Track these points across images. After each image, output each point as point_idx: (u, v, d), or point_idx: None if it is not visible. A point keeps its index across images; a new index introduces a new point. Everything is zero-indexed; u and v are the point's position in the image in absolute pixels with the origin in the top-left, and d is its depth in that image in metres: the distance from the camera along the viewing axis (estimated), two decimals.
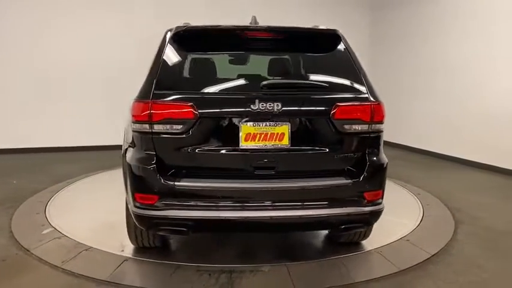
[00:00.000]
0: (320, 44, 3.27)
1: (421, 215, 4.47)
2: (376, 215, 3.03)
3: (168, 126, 2.81)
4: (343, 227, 3.01)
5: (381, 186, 3.03)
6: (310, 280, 3.19)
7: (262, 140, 2.86)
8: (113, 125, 7.91)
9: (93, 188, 5.54)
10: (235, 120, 2.86)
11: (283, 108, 2.84)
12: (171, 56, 3.05)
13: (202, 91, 2.98)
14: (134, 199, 2.87)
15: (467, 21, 6.97)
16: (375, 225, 4.24)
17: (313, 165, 3.02)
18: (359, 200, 2.94)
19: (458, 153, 7.17)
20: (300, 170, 3.00)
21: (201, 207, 2.84)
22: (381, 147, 3.10)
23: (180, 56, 3.11)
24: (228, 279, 3.12)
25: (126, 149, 3.11)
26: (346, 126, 2.94)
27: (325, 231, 3.93)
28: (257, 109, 2.82)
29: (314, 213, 2.88)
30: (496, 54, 6.51)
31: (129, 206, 3.02)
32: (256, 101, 2.83)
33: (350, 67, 3.12)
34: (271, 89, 2.97)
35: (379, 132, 3.04)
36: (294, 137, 2.89)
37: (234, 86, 3.17)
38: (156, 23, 7.99)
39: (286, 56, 3.51)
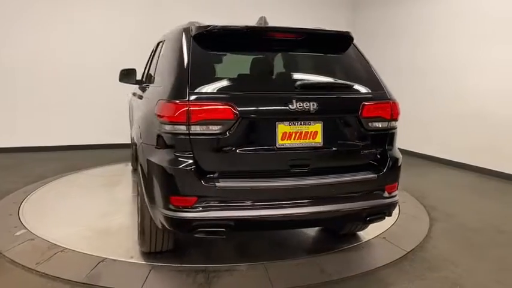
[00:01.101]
0: (335, 45, 3.38)
1: (397, 213, 4.54)
2: (394, 206, 3.21)
3: (206, 127, 2.76)
4: (368, 218, 3.13)
5: (397, 179, 3.23)
6: (288, 278, 3.20)
7: (297, 139, 2.91)
8: (88, 124, 7.83)
9: (68, 188, 5.44)
10: (272, 120, 2.88)
11: (318, 108, 2.91)
12: (199, 55, 2.98)
13: (239, 91, 2.95)
14: (168, 202, 2.78)
15: (446, 23, 7.10)
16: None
17: (342, 161, 3.13)
18: (381, 192, 3.11)
19: (431, 152, 7.34)
20: (330, 166, 3.08)
21: (242, 206, 2.83)
22: (396, 143, 3.28)
23: (207, 55, 3.06)
24: (205, 279, 3.11)
25: (145, 151, 3.05)
26: (371, 124, 3.10)
27: (304, 229, 3.96)
28: (295, 108, 2.88)
29: (347, 207, 2.99)
30: (469, 56, 6.65)
31: (155, 210, 2.93)
32: (294, 100, 2.88)
33: (366, 67, 3.30)
34: (306, 89, 3.03)
35: (395, 128, 3.24)
36: (326, 135, 2.98)
37: (267, 86, 3.18)
38: (138, 21, 7.97)
39: (307, 56, 3.53)
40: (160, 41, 4.31)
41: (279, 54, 3.44)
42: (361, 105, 3.06)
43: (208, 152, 2.80)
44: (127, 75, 4.94)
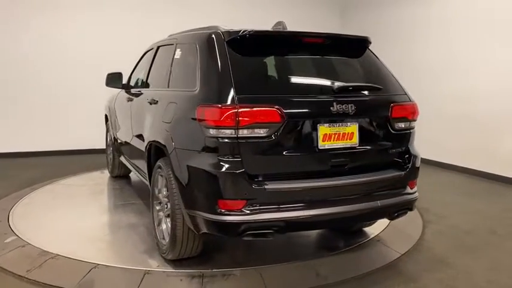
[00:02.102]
0: (355, 49, 3.51)
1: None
2: (415, 201, 3.37)
3: (254, 130, 2.78)
4: (396, 214, 3.28)
5: (417, 176, 3.41)
6: (283, 283, 3.19)
7: (336, 140, 3.02)
8: (77, 129, 7.71)
9: (59, 194, 5.36)
10: (314, 122, 2.96)
11: (354, 109, 3.04)
12: (236, 59, 2.99)
13: (283, 94, 3.00)
14: (216, 206, 2.79)
15: (438, 25, 7.14)
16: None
17: (374, 160, 3.27)
18: (406, 188, 3.30)
19: (422, 154, 7.33)
20: (364, 165, 3.20)
21: (290, 208, 2.87)
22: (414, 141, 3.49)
23: (243, 59, 3.07)
24: (199, 284, 3.08)
25: (181, 156, 3.02)
26: (397, 124, 3.28)
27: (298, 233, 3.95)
28: (336, 111, 2.99)
29: (382, 203, 3.14)
30: (461, 58, 6.71)
31: (196, 215, 2.92)
32: (335, 103, 3.00)
33: (383, 70, 3.48)
34: (344, 91, 3.13)
35: (414, 128, 3.44)
36: (361, 136, 3.10)
37: (308, 89, 3.25)
38: (123, 26, 7.91)
39: (333, 59, 3.57)
40: (161, 46, 4.34)
41: (308, 58, 3.51)
42: (390, 107, 3.23)
43: (255, 155, 2.83)
44: (115, 80, 4.96)
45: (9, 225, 4.15)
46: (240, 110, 2.73)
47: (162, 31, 7.44)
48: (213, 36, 3.15)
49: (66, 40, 7.70)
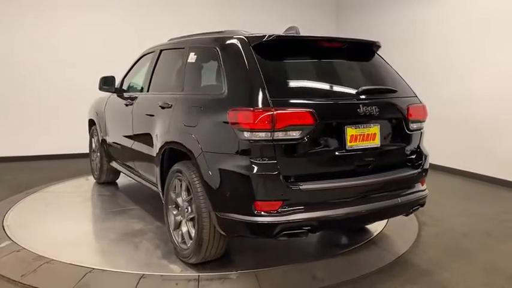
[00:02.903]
0: (367, 53, 3.66)
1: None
2: (426, 197, 3.52)
3: (289, 133, 2.85)
4: (411, 210, 3.44)
5: (427, 174, 3.57)
6: (279, 285, 3.19)
7: (361, 141, 3.14)
8: (72, 133, 7.63)
9: (54, 198, 5.33)
10: (343, 124, 3.07)
11: (377, 111, 3.18)
12: (265, 63, 3.05)
13: (313, 97, 3.08)
14: (252, 208, 2.84)
15: (435, 26, 7.17)
16: (343, 230, 4.31)
17: (393, 159, 3.43)
18: (419, 185, 3.48)
19: None
20: (385, 165, 3.34)
21: (324, 207, 2.97)
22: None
23: (270, 63, 3.13)
24: None
25: (211, 160, 3.04)
26: (412, 125, 3.44)
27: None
28: (362, 113, 3.12)
29: (402, 200, 3.30)
30: (459, 61, 6.74)
31: (227, 217, 2.96)
32: (361, 105, 3.13)
33: (393, 72, 3.64)
34: (368, 94, 3.25)
35: (423, 128, 3.60)
36: (382, 136, 3.25)
37: (335, 92, 3.34)
38: (115, 25, 7.90)
39: (350, 63, 3.66)
40: (164, 50, 4.34)
41: (328, 62, 3.59)
42: (406, 108, 3.40)
43: (289, 156, 2.91)
44: (108, 84, 4.93)
45: (4, 230, 4.12)
46: (276, 113, 2.80)
47: (154, 35, 7.47)
48: (239, 40, 3.21)
49: (57, 43, 7.63)
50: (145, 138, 4.14)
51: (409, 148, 3.50)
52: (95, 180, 6.06)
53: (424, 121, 3.56)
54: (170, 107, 3.68)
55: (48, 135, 7.64)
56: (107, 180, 5.87)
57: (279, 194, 2.84)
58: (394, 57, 3.86)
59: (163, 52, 4.36)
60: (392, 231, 4.24)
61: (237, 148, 2.90)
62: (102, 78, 4.99)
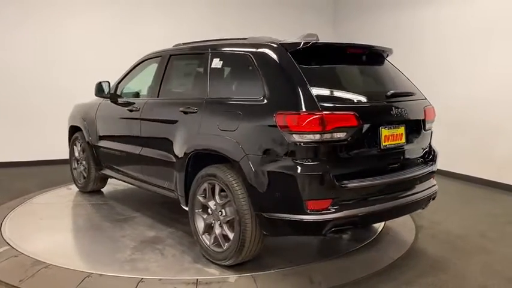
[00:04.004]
0: (382, 59, 3.87)
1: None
2: (437, 191, 3.78)
3: (335, 135, 3.01)
4: (426, 204, 3.66)
5: (436, 170, 3.84)
6: None
7: (391, 141, 3.36)
8: (46, 139, 7.49)
9: (51, 203, 5.31)
10: (378, 125, 3.27)
11: (404, 113, 3.44)
12: (305, 69, 3.19)
13: (354, 100, 3.31)
14: (304, 207, 2.96)
15: (431, 30, 7.24)
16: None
17: (414, 157, 3.68)
18: (432, 180, 3.76)
19: None
20: (408, 162, 3.62)
21: (367, 203, 3.18)
22: None
23: (310, 68, 3.25)
24: None
25: (257, 163, 3.11)
26: (427, 125, 3.73)
27: (292, 239, 3.96)
28: (394, 114, 3.37)
29: (423, 194, 3.55)
30: (455, 64, 6.80)
31: (276, 217, 3.06)
32: (393, 107, 3.39)
33: (403, 76, 3.87)
34: (396, 97, 3.51)
35: (432, 128, 3.89)
36: (406, 136, 3.49)
37: (370, 94, 3.47)
38: (111, 34, 7.90)
39: (371, 68, 3.84)
40: (176, 55, 4.33)
41: (355, 67, 3.77)
42: (423, 110, 3.69)
43: (335, 156, 3.08)
44: (105, 89, 4.86)
45: (2, 235, 4.11)
46: (325, 116, 2.94)
47: (146, 40, 7.48)
48: (277, 47, 3.34)
49: (54, 49, 7.56)
50: (161, 143, 4.09)
51: (424, 146, 3.78)
52: (77, 190, 5.78)
53: (433, 121, 3.83)
54: (195, 112, 3.69)
55: (41, 140, 7.56)
56: (94, 189, 5.63)
57: (329, 192, 3.00)
58: (392, 61, 3.93)
59: (173, 57, 4.34)
60: (389, 234, 4.26)
61: (286, 150, 3.02)
62: (98, 84, 4.91)
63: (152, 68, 4.70)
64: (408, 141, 3.51)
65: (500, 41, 6.06)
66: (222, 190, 3.40)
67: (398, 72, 3.88)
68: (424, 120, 3.68)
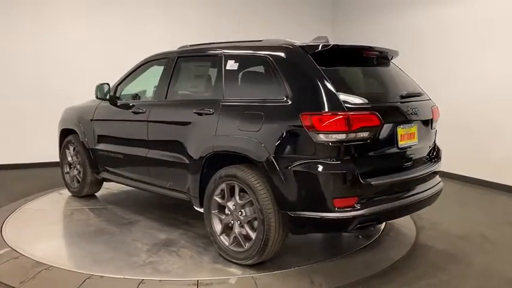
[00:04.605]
0: (388, 60, 3.96)
1: (384, 222, 4.58)
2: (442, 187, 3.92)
3: (360, 134, 3.10)
4: (433, 201, 3.75)
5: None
6: None
7: (406, 139, 3.48)
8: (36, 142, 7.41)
9: (52, 205, 5.31)
10: (396, 125, 3.37)
11: (417, 113, 3.57)
12: (326, 70, 3.24)
13: (374, 101, 3.38)
14: (331, 205, 3.04)
15: (428, 34, 7.27)
16: (342, 234, 4.34)
17: (423, 155, 3.81)
18: (438, 177, 3.90)
19: None
20: (419, 160, 3.73)
21: (389, 199, 3.28)
22: None
23: (330, 70, 3.30)
24: None
25: (283, 163, 3.15)
26: (434, 124, 3.88)
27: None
28: (409, 114, 3.50)
29: (433, 190, 3.69)
30: (452, 66, 6.82)
31: (301, 216, 3.13)
32: (408, 107, 3.51)
33: (408, 77, 3.96)
34: (410, 97, 3.64)
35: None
36: (418, 135, 3.61)
37: (387, 95, 3.64)
38: (110, 36, 7.90)
39: (384, 69, 3.89)
40: (183, 57, 4.31)
41: (370, 68, 3.84)
42: (431, 109, 3.83)
43: (359, 155, 3.14)
44: (106, 91, 4.79)
45: (3, 237, 4.11)
46: (351, 116, 3.02)
47: (146, 42, 7.48)
48: (298, 49, 3.41)
49: (55, 49, 7.53)
50: (171, 145, 4.07)
51: (431, 145, 3.92)
52: (70, 195, 5.61)
53: (437, 121, 3.97)
54: (211, 114, 3.70)
55: (43, 142, 7.49)
56: (89, 193, 5.50)
57: (355, 190, 3.09)
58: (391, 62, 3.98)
59: (181, 59, 4.32)
60: (390, 235, 4.27)
61: (313, 150, 3.08)
62: (98, 86, 4.84)
63: (154, 70, 4.67)
64: (419, 140, 3.62)
65: (498, 42, 6.08)
66: (241, 190, 3.43)
67: (404, 74, 3.96)
68: (432, 120, 3.81)
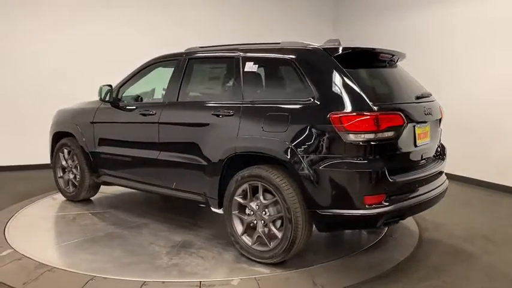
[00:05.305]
0: (396, 62, 4.04)
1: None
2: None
3: (386, 133, 3.22)
4: (442, 196, 3.88)
5: None
6: None
7: (422, 138, 3.62)
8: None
9: (55, 206, 5.30)
10: (415, 124, 3.49)
11: (431, 113, 3.74)
12: (350, 72, 3.34)
13: (397, 101, 3.52)
14: (361, 202, 3.14)
15: (428, 36, 7.28)
16: (345, 235, 4.33)
17: (433, 153, 3.98)
18: (444, 175, 4.04)
19: None
20: (430, 157, 3.89)
21: (412, 196, 3.42)
22: None
23: (353, 71, 3.38)
24: None
25: (309, 162, 3.22)
26: (441, 123, 4.05)
27: None
28: (425, 114, 3.65)
29: (444, 186, 3.88)
30: (453, 68, 6.81)
31: (337, 213, 3.20)
32: (424, 107, 3.68)
33: (414, 78, 4.06)
34: (423, 98, 3.79)
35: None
36: (430, 134, 3.76)
37: (405, 96, 3.72)
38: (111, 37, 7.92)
39: (394, 70, 3.97)
40: (195, 58, 4.29)
41: (385, 70, 3.91)
42: (440, 109, 4.01)
43: (385, 153, 3.27)
44: (110, 93, 4.72)
45: (5, 238, 4.11)
46: (379, 116, 3.14)
47: (146, 43, 7.46)
48: (322, 52, 3.49)
49: (54, 52, 7.51)
50: (187, 147, 4.05)
51: (438, 143, 4.10)
52: (66, 199, 5.46)
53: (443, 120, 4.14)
54: (231, 115, 3.71)
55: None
56: (87, 197, 5.35)
57: (383, 187, 3.19)
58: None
59: (192, 61, 4.30)
60: (392, 237, 4.26)
61: (342, 149, 3.18)
62: (102, 87, 4.75)
63: (158, 72, 4.65)
64: (431, 139, 3.78)
65: (501, 43, 6.07)
66: (264, 190, 3.47)
67: (409, 75, 4.04)
68: (440, 119, 3.99)
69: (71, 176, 5.34)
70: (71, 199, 5.40)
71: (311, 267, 3.53)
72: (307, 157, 3.25)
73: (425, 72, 7.12)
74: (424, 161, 3.73)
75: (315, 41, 3.81)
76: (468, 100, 6.51)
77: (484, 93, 6.29)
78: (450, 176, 6.66)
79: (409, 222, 4.61)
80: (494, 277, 3.47)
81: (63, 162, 5.42)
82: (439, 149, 4.11)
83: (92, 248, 3.94)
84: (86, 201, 5.40)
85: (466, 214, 5.17)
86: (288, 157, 3.31)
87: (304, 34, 8.03)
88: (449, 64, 6.84)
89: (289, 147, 3.31)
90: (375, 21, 8.37)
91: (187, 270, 3.46)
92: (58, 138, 5.51)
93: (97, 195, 5.49)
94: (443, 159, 4.09)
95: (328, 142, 3.20)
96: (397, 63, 4.04)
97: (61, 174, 5.49)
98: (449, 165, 6.66)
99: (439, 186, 3.78)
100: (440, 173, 3.91)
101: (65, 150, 5.37)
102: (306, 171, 3.23)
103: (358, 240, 4.14)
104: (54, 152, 5.57)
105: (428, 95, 3.92)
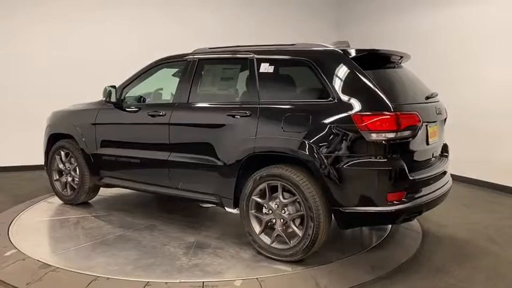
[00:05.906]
0: (401, 63, 4.16)
1: (391, 225, 4.56)
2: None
3: (405, 132, 3.32)
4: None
5: None
6: None
7: (433, 137, 3.74)
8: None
9: (58, 207, 5.31)
10: (427, 123, 3.62)
11: (439, 112, 3.92)
12: (368, 73, 3.45)
13: (412, 101, 3.62)
14: (384, 199, 3.25)
15: (432, 36, 7.28)
16: (348, 235, 4.33)
17: (439, 151, 4.14)
18: (448, 173, 4.13)
19: None
20: (437, 155, 4.04)
21: (427, 193, 3.52)
22: None
23: (370, 72, 3.48)
24: None
25: (332, 161, 3.30)
26: (444, 124, 4.18)
27: None
28: (434, 113, 3.80)
29: (450, 183, 4.02)
30: (458, 69, 6.79)
31: (360, 210, 3.29)
32: (435, 107, 3.86)
33: (418, 79, 4.14)
34: (431, 98, 3.92)
35: None
36: (439, 133, 3.92)
37: (418, 96, 3.80)
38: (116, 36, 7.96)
39: (402, 71, 4.04)
40: (207, 59, 4.29)
41: (396, 70, 3.98)
42: (445, 109, 4.16)
43: (404, 152, 3.38)
44: (114, 94, 4.67)
45: (9, 239, 4.14)
46: (400, 116, 3.24)
47: (147, 44, 7.47)
48: (340, 53, 3.57)
49: (54, 52, 7.58)
50: (200, 147, 4.04)
51: (443, 142, 4.24)
52: (64, 202, 5.35)
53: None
54: (248, 116, 3.73)
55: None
56: (86, 200, 5.27)
57: (404, 184, 3.30)
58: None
59: (203, 62, 4.29)
60: (395, 238, 4.25)
61: (365, 148, 3.27)
62: (107, 88, 4.71)
63: (162, 73, 4.64)
64: (440, 137, 3.97)
65: (505, 44, 6.04)
66: (283, 189, 3.53)
67: (416, 76, 4.13)
68: (446, 119, 4.15)
69: (69, 179, 5.23)
70: (69, 203, 5.29)
71: (314, 268, 3.53)
72: (329, 156, 3.32)
73: (429, 73, 7.15)
74: (434, 158, 3.87)
75: (318, 42, 3.84)
76: (473, 101, 6.49)
77: (489, 95, 6.26)
78: (454, 177, 6.69)
79: (412, 223, 4.60)
80: (497, 279, 3.45)
81: (60, 165, 5.30)
82: (444, 146, 4.26)
83: (109, 250, 3.90)
84: (85, 204, 5.32)
85: (469, 215, 5.16)
86: (310, 156, 3.36)
87: (307, 35, 8.09)
88: (454, 65, 6.82)
89: (311, 147, 3.37)
90: (378, 22, 8.36)
91: (210, 270, 3.48)
92: (54, 140, 5.40)
93: (95, 198, 5.41)
94: (447, 156, 4.25)
95: (351, 141, 3.29)
96: (402, 64, 4.12)
97: (57, 177, 5.37)
98: (453, 166, 6.70)
99: (448, 182, 3.94)
100: (445, 171, 4.02)
101: (62, 153, 5.25)
102: (329, 170, 3.31)
103: (361, 241, 4.14)
104: (49, 154, 5.45)
105: (436, 95, 4.02)
